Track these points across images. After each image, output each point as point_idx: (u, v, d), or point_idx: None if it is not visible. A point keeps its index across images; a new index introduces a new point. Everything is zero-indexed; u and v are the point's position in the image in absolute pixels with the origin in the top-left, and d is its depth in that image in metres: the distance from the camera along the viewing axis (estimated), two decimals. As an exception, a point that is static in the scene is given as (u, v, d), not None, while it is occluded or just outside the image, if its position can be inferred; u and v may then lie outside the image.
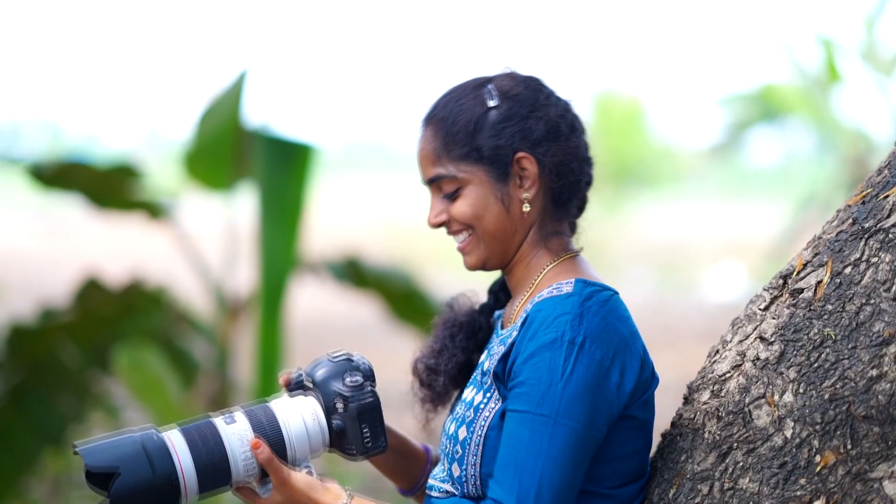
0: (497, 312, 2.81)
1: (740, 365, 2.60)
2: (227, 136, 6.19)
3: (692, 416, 2.62)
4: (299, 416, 2.61)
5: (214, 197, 6.62)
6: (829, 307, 2.53)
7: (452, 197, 2.63)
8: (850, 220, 2.60)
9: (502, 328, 2.72)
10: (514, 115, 2.63)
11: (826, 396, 2.49)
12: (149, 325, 6.21)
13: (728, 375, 2.61)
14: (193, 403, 5.74)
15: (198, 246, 6.55)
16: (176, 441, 2.54)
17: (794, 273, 2.63)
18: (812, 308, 2.55)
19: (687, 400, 2.67)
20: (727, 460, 2.55)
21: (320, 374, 2.63)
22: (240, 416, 2.60)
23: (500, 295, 2.82)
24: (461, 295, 2.84)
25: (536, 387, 2.48)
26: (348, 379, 2.61)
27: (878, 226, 2.55)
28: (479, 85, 2.67)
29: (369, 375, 2.63)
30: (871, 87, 20.63)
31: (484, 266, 2.67)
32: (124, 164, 6.16)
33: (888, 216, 2.54)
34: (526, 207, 2.64)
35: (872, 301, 2.50)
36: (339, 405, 2.60)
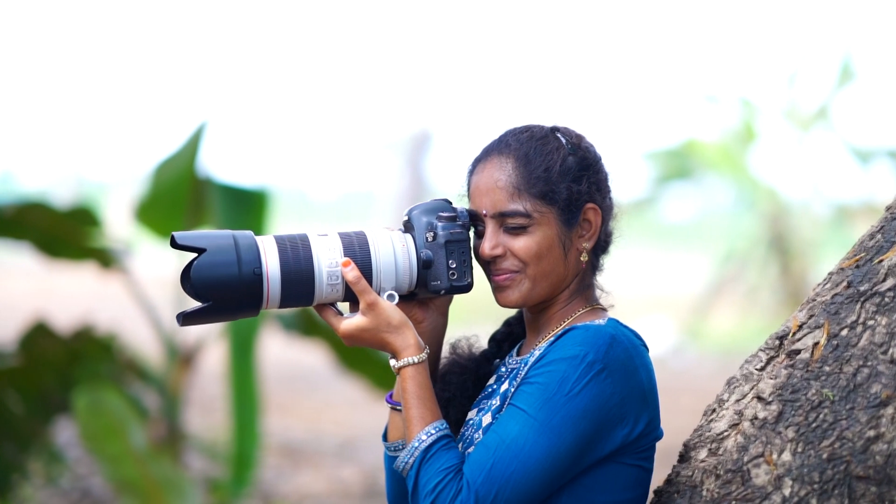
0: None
1: (738, 424, 2.64)
2: (182, 187, 6.17)
3: (690, 473, 2.66)
4: (390, 244, 2.65)
5: (165, 245, 6.58)
6: (827, 368, 2.59)
7: (515, 232, 2.66)
8: (845, 284, 2.66)
9: (517, 354, 2.77)
10: (589, 166, 2.70)
11: (824, 456, 2.54)
12: (98, 372, 6.14)
13: (726, 434, 2.65)
14: (153, 451, 5.68)
15: (149, 294, 6.53)
16: (267, 244, 2.57)
17: (790, 334, 2.68)
18: (810, 369, 2.60)
19: (683, 457, 2.71)
20: (726, 518, 2.59)
21: (417, 209, 2.70)
22: (332, 234, 2.63)
23: (504, 344, 2.86)
24: (463, 338, 2.86)
25: (542, 391, 2.53)
26: (442, 213, 2.67)
27: (874, 289, 2.61)
28: (552, 130, 2.73)
29: (465, 221, 2.69)
30: (789, 145, 20.95)
31: (525, 303, 2.69)
32: (81, 210, 6.12)
33: (884, 280, 2.61)
34: (584, 257, 2.70)
35: (870, 363, 2.56)
36: (429, 235, 2.66)
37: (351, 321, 2.61)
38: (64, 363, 6.21)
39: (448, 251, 2.65)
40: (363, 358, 6.83)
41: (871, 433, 2.52)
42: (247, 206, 6.15)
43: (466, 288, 2.69)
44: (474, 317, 2.88)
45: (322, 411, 10.99)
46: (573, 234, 2.68)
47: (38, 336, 6.24)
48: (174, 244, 2.57)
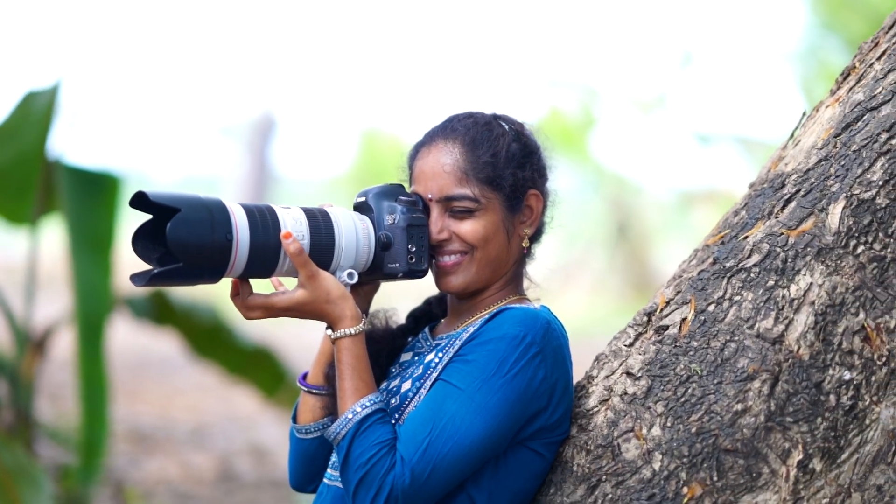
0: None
1: (608, 399, 2.67)
2: (31, 168, 6.00)
3: (561, 449, 2.67)
4: (352, 222, 2.63)
5: (17, 230, 6.42)
6: (695, 343, 2.62)
7: (461, 216, 2.65)
8: (711, 260, 2.70)
9: (431, 333, 2.78)
10: (531, 153, 2.71)
11: (693, 430, 2.57)
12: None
13: (595, 410, 2.67)
14: (5, 438, 5.55)
15: (-1, 280, 6.39)
16: (236, 211, 2.52)
17: (658, 310, 2.72)
18: (678, 344, 2.64)
19: (554, 434, 2.72)
20: (596, 493, 2.61)
21: (374, 191, 2.68)
22: (296, 208, 2.60)
23: (421, 321, 2.86)
24: (381, 311, 2.84)
25: (481, 371, 2.53)
26: (402, 197, 2.66)
27: (740, 265, 2.65)
28: (494, 116, 2.72)
29: (423, 207, 2.67)
30: (631, 130, 21.29)
31: (466, 288, 2.68)
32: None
33: (749, 256, 2.65)
34: (525, 243, 2.71)
35: (737, 338, 2.60)
36: (390, 218, 2.65)
37: (292, 294, 2.57)
38: None
39: (409, 235, 2.65)
40: (216, 345, 6.78)
41: (739, 407, 2.56)
42: (98, 191, 6.02)
43: (423, 273, 2.68)
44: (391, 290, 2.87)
45: (173, 398, 10.87)
46: (516, 219, 2.69)
47: None
48: (139, 202, 2.48)
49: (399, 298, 2.92)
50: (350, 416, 2.54)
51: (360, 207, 2.69)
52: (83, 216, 6.00)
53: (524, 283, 2.78)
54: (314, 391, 2.75)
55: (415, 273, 2.67)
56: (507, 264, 2.70)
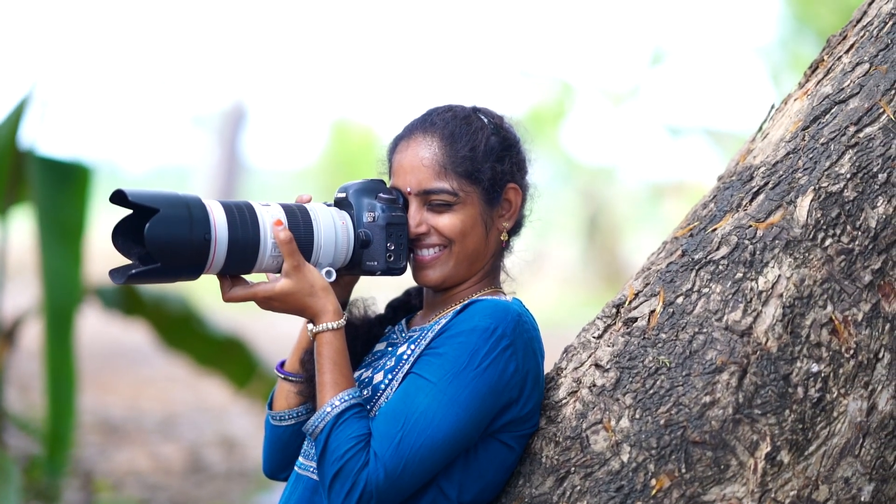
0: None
1: (576, 391, 2.67)
2: (2, 159, 5.98)
3: (530, 441, 2.68)
4: (331, 219, 2.63)
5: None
6: (663, 336, 2.63)
7: (440, 209, 2.66)
8: (680, 252, 2.70)
9: (407, 324, 2.79)
10: (510, 147, 2.71)
11: (661, 422, 2.58)
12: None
13: (564, 401, 2.68)
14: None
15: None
16: (215, 209, 2.52)
17: (627, 302, 2.72)
18: (646, 336, 2.64)
19: (523, 425, 2.73)
20: (565, 484, 2.62)
21: (355, 187, 2.68)
22: (274, 204, 2.60)
23: (400, 311, 2.86)
24: (360, 300, 2.85)
25: (452, 364, 2.54)
26: (382, 195, 2.66)
27: (708, 258, 2.66)
28: (473, 110, 2.72)
29: (403, 204, 2.68)
30: (603, 122, 21.32)
31: (444, 283, 2.69)
32: None
33: (717, 248, 2.65)
34: (504, 236, 2.72)
35: (705, 330, 2.60)
36: (370, 216, 2.65)
37: (274, 284, 2.58)
38: None
39: (388, 233, 2.65)
40: (186, 335, 6.77)
41: (707, 399, 2.57)
42: (68, 181, 6.00)
43: (401, 271, 2.69)
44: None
45: (142, 388, 10.85)
46: (494, 213, 2.70)
47: None
48: (120, 199, 2.48)
49: (379, 288, 2.92)
50: (328, 409, 2.55)
51: (340, 203, 2.69)
52: (53, 206, 5.98)
53: (501, 276, 2.78)
54: (291, 378, 2.75)
55: (393, 271, 2.68)
56: (484, 258, 2.71)
